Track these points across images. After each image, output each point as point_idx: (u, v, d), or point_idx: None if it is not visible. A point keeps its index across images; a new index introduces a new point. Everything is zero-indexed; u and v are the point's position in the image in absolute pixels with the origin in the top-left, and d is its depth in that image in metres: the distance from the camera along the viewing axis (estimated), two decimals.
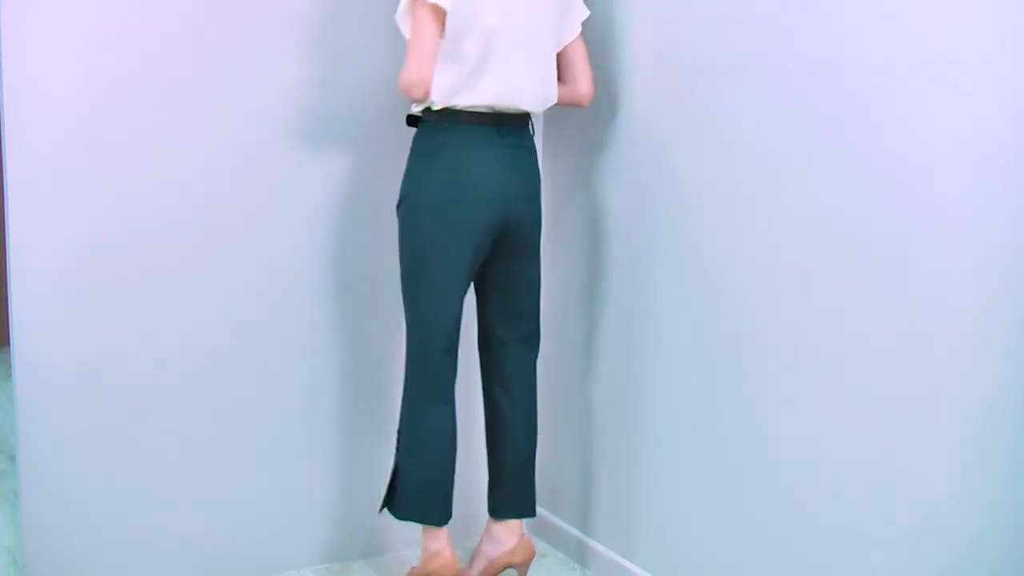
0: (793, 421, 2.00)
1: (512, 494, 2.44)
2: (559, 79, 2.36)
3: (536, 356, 2.47)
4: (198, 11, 2.31)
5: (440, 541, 2.35)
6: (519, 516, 2.44)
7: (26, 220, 2.19)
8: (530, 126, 2.33)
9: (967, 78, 1.63)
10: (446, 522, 2.35)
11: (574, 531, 2.70)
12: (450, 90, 2.17)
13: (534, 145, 2.34)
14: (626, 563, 2.49)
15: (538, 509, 2.83)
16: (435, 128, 2.23)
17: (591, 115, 2.52)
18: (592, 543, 2.62)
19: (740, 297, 2.11)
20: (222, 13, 2.34)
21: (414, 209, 2.25)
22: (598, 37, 2.46)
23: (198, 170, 2.35)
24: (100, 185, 2.25)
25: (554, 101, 2.33)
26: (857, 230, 1.83)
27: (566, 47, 2.33)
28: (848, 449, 1.87)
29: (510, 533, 2.43)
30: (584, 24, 2.36)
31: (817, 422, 1.94)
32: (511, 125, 2.26)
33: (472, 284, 2.41)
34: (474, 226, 2.23)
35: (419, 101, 2.20)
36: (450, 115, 2.21)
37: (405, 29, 2.20)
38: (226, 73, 2.36)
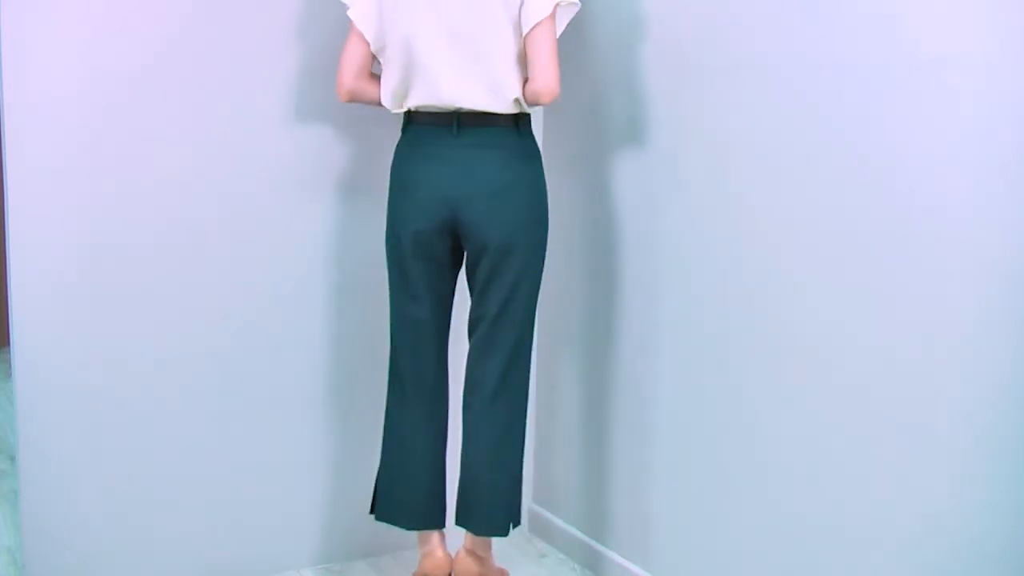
0: (793, 421, 1.99)
1: (460, 504, 2.35)
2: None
3: (501, 365, 2.29)
4: (198, 11, 2.31)
5: (431, 542, 2.36)
6: (457, 523, 2.36)
7: (26, 220, 2.19)
8: (514, 125, 2.23)
9: (967, 78, 1.63)
10: (425, 527, 2.35)
11: (574, 531, 2.69)
12: (393, 95, 2.26)
13: (516, 143, 2.24)
14: (628, 564, 2.49)
15: (538, 509, 2.84)
16: (402, 131, 2.33)
17: (591, 116, 2.52)
18: (594, 544, 2.62)
19: (739, 296, 2.11)
20: (222, 13, 2.34)
21: (387, 212, 2.34)
22: (597, 38, 2.46)
23: (198, 170, 2.35)
24: (100, 185, 2.25)
25: (516, 96, 2.20)
26: (857, 230, 1.83)
27: (524, 42, 2.19)
28: (848, 449, 1.87)
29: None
30: (576, 21, 2.31)
31: (818, 422, 1.94)
32: (470, 124, 2.22)
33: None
34: (420, 225, 2.24)
35: (371, 104, 2.31)
36: (409, 117, 2.29)
37: None
38: (226, 73, 2.36)
